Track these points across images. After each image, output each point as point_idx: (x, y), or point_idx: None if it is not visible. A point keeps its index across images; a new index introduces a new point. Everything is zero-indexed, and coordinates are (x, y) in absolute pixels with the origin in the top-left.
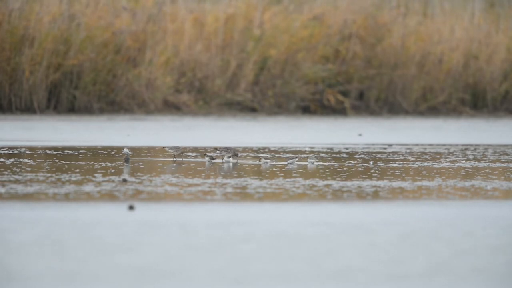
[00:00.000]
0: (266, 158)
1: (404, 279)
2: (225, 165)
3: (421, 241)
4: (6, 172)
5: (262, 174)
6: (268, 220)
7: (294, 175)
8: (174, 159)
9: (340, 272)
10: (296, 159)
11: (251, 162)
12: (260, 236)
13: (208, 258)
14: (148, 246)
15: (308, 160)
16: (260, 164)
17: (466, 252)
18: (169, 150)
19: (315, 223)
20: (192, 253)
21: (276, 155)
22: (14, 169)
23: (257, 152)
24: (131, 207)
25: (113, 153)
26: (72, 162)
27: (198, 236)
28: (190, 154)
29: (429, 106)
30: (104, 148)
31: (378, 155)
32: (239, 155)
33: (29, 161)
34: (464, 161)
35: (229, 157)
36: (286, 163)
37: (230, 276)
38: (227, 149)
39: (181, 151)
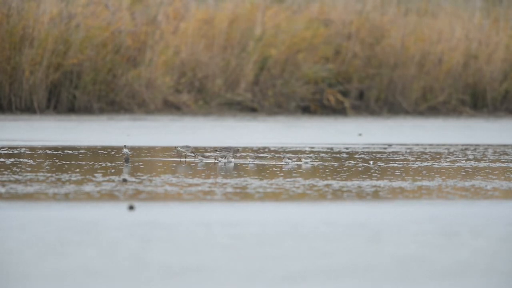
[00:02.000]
0: (251, 158)
1: (413, 279)
2: (226, 164)
3: (426, 241)
4: (6, 172)
5: (262, 174)
6: (272, 220)
7: (294, 175)
8: (185, 159)
9: (353, 271)
10: (292, 159)
11: (245, 162)
12: (266, 236)
13: (217, 257)
14: (152, 246)
15: (303, 160)
16: (253, 164)
17: (471, 252)
18: (180, 149)
19: (318, 223)
20: (197, 252)
21: (276, 155)
22: (14, 169)
23: (257, 152)
24: (131, 207)
25: (113, 153)
26: (72, 162)
27: (202, 235)
28: (191, 154)
29: (429, 106)
30: (104, 148)
31: (378, 155)
32: (239, 154)
33: (29, 161)
34: (464, 161)
35: (229, 156)
36: (283, 163)
37: (241, 274)
38: (227, 149)
39: (191, 150)
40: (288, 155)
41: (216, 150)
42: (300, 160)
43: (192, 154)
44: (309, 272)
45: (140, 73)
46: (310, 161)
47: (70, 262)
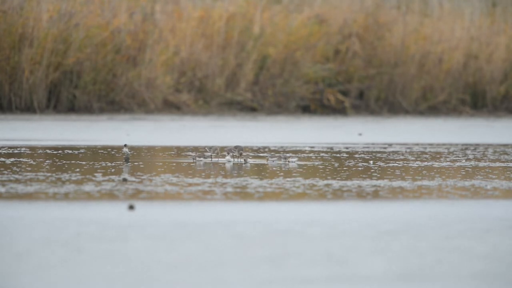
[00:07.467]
0: (249, 158)
1: (410, 281)
2: (227, 164)
3: (425, 241)
4: (6, 172)
5: (262, 173)
6: (272, 220)
7: (294, 174)
8: (211, 159)
9: (356, 273)
10: (276, 158)
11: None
12: (266, 236)
13: (218, 256)
14: (152, 245)
15: (290, 160)
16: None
17: (470, 252)
18: (208, 149)
19: (318, 222)
20: (198, 252)
21: (276, 154)
22: (14, 168)
23: (257, 151)
24: (131, 207)
25: (113, 152)
26: (72, 161)
27: (202, 235)
28: (190, 153)
29: (429, 106)
30: (104, 148)
31: (378, 155)
32: (244, 153)
33: (29, 160)
34: (464, 161)
35: (233, 156)
36: (266, 162)
37: (243, 274)
38: (233, 148)
39: (213, 150)
40: (289, 154)
41: (225, 149)
42: (288, 160)
43: (191, 154)
44: (310, 273)
45: (140, 73)
46: (296, 161)
47: (70, 262)
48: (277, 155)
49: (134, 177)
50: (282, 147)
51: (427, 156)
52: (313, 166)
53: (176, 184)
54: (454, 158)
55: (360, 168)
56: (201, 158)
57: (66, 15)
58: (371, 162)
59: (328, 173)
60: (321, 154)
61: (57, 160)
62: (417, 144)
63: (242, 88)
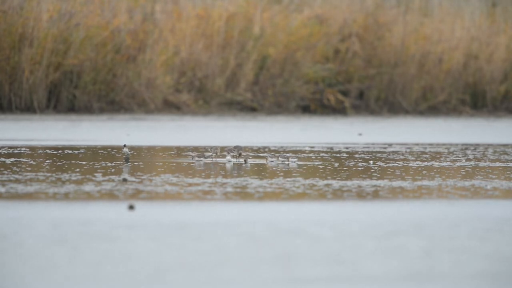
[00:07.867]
0: (249, 158)
1: (410, 280)
2: (227, 164)
3: (425, 241)
4: (6, 172)
5: (262, 173)
6: (272, 220)
7: (294, 174)
8: (212, 159)
9: (358, 275)
10: (276, 159)
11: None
12: (266, 236)
13: (219, 256)
14: (152, 245)
15: (290, 160)
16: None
17: (470, 252)
18: (231, 152)
19: (318, 222)
20: (199, 252)
21: (276, 154)
22: (14, 168)
23: (257, 151)
24: (131, 207)
25: (113, 152)
26: (72, 161)
27: (203, 235)
28: (190, 153)
29: (429, 106)
30: (104, 148)
31: (378, 155)
32: (243, 154)
33: (29, 160)
34: (464, 161)
35: (233, 156)
36: (266, 162)
37: (244, 274)
38: (233, 148)
39: (213, 150)
40: (289, 154)
41: (225, 149)
42: (288, 160)
43: (192, 154)
44: (311, 273)
45: (140, 73)
46: (296, 161)
47: (71, 262)
48: (277, 155)
49: (134, 177)
50: (282, 147)
51: (427, 156)
52: (313, 166)
53: (176, 184)
54: (454, 158)
55: (360, 168)
56: (201, 158)
57: (66, 15)
58: (371, 162)
59: (328, 173)
60: (321, 154)
61: (57, 160)
62: (417, 144)
63: (242, 88)
